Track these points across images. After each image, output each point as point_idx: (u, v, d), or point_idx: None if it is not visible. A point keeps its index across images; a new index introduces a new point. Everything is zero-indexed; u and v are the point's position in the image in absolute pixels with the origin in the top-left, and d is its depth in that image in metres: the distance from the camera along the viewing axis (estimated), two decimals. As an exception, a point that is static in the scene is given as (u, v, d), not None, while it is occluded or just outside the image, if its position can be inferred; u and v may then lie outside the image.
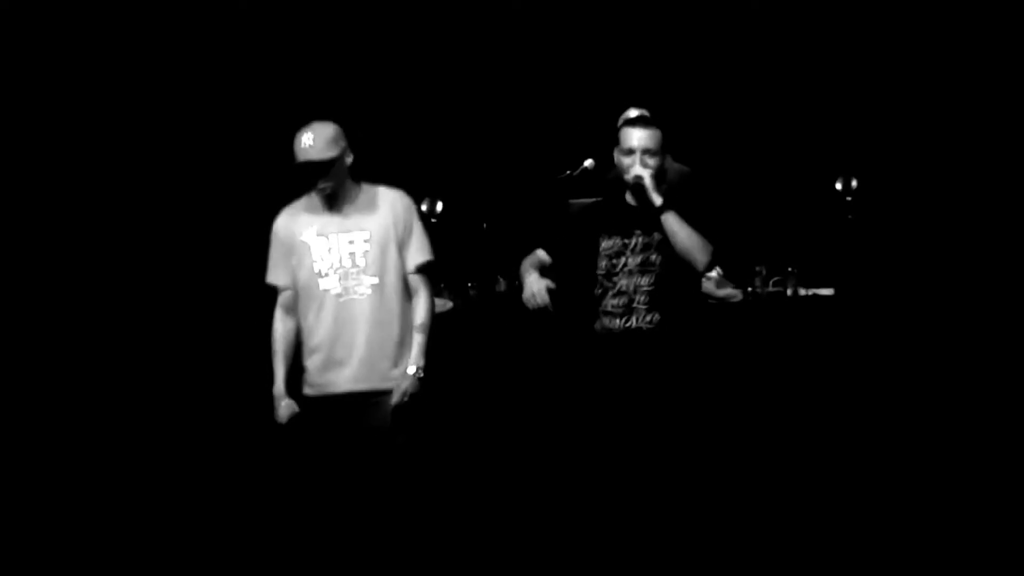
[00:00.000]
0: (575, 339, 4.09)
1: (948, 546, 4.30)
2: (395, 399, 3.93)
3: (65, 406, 5.75)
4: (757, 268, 5.37)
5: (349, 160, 4.04)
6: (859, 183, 5.56)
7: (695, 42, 6.52)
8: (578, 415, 4.03)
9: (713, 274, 5.29)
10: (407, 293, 4.06)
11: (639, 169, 3.95)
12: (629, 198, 4.07)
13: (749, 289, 5.32)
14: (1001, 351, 5.02)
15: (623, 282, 3.98)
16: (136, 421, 5.68)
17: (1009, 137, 6.07)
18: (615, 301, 3.98)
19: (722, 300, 5.22)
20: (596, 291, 4.03)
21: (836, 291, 5.33)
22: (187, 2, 6.21)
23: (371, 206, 4.05)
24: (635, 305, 3.96)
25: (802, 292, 5.31)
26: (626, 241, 4.01)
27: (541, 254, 4.14)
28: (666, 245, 3.94)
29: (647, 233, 3.98)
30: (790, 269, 5.35)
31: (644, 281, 3.96)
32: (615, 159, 4.05)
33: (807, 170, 6.31)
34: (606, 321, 4.00)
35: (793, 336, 5.08)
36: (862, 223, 5.53)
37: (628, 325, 3.96)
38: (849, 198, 5.55)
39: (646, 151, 3.98)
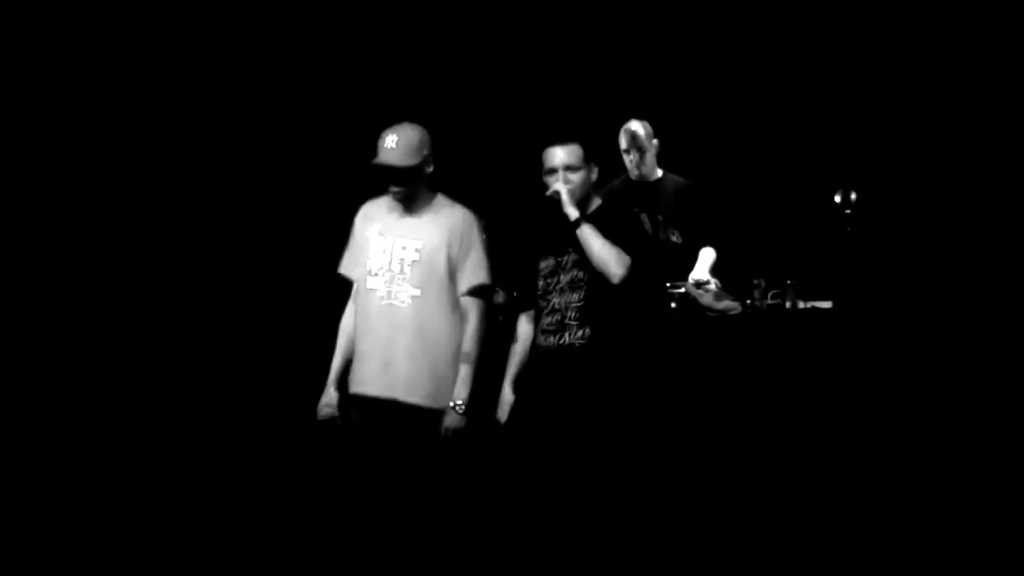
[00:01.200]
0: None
1: (943, 562, 4.28)
2: (442, 431, 3.94)
3: (100, 402, 5.75)
4: (756, 281, 5.36)
5: (429, 170, 4.06)
6: (858, 196, 5.54)
7: (694, 54, 6.52)
8: (515, 433, 4.07)
9: (712, 287, 5.28)
10: (458, 313, 4.05)
11: (556, 185, 4.04)
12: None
13: (748, 302, 5.31)
14: (1001, 364, 5.01)
15: (556, 300, 4.06)
16: (164, 415, 5.69)
17: (1009, 150, 6.06)
18: (549, 319, 4.06)
19: (721, 313, 5.20)
20: (536, 311, 4.12)
21: (835, 304, 5.32)
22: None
23: (433, 218, 4.06)
24: (567, 321, 4.03)
25: (801, 305, 5.30)
26: (559, 260, 4.09)
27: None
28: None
29: (577, 250, 4.04)
30: (789, 282, 5.34)
31: (575, 297, 4.03)
32: (545, 181, 4.13)
33: (806, 183, 6.31)
34: (542, 339, 4.08)
35: (792, 349, 5.06)
36: (861, 236, 5.52)
37: (562, 342, 4.03)
38: (848, 211, 5.54)
39: (568, 167, 4.07)
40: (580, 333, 4.01)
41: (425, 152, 4.03)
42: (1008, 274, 5.72)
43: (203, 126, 6.27)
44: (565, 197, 4.03)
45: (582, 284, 4.03)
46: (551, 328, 4.05)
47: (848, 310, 5.23)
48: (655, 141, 5.62)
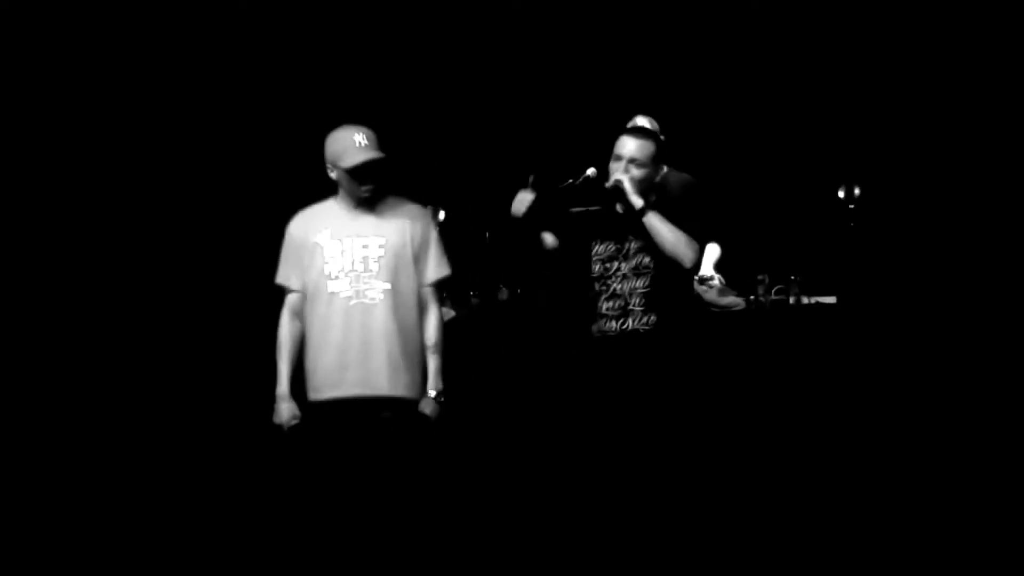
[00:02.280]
0: (572, 342, 4.14)
1: (947, 551, 4.29)
2: (422, 416, 3.95)
3: (66, 407, 5.74)
4: (760, 276, 5.38)
5: None
6: (861, 191, 5.56)
7: (698, 51, 6.53)
8: (580, 418, 4.05)
9: (716, 283, 5.30)
10: (420, 304, 4.07)
11: (618, 174, 4.03)
12: (619, 206, 4.12)
13: (752, 297, 5.33)
14: (1003, 358, 5.02)
15: (617, 285, 4.05)
16: (138, 423, 5.67)
17: (1011, 146, 6.07)
18: (611, 304, 4.04)
19: (725, 308, 5.22)
20: (590, 294, 4.09)
21: (839, 299, 5.33)
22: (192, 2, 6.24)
23: (389, 215, 4.06)
24: (631, 307, 4.02)
25: (805, 300, 5.31)
26: (619, 246, 4.08)
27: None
28: (657, 248, 4.00)
29: (640, 238, 4.04)
30: (793, 277, 5.35)
31: (639, 284, 4.03)
32: (610, 168, 4.12)
33: (810, 179, 6.32)
34: (602, 324, 4.05)
35: (796, 344, 5.08)
36: (864, 231, 5.53)
37: (624, 327, 4.02)
38: (851, 206, 5.56)
39: (632, 160, 4.06)
40: (645, 320, 4.00)
41: None
42: (1011, 268, 5.73)
43: (202, 134, 6.27)
44: (628, 186, 4.02)
45: (648, 271, 4.03)
46: (613, 313, 4.03)
47: (852, 305, 5.24)
48: (661, 138, 5.63)
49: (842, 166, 6.06)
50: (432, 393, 3.97)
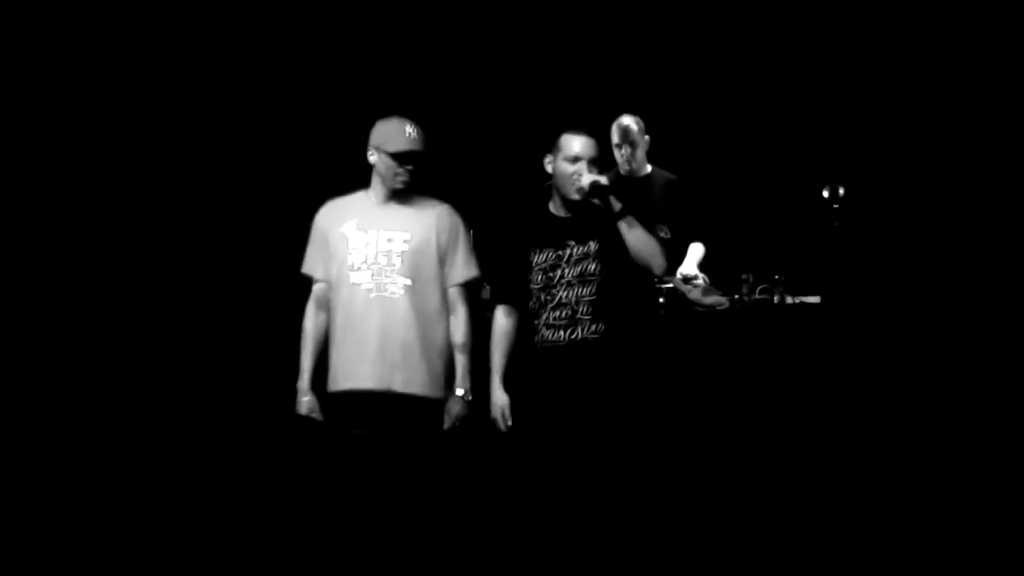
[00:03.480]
0: (520, 355, 4.11)
1: (930, 553, 4.30)
2: (446, 424, 3.94)
3: (91, 400, 5.71)
4: (744, 276, 5.37)
5: None
6: (846, 191, 5.55)
7: (683, 50, 6.53)
8: (529, 429, 4.02)
9: (700, 282, 5.29)
10: (446, 305, 4.06)
11: (592, 176, 3.97)
12: (554, 209, 4.08)
13: (736, 297, 5.32)
14: (988, 358, 5.02)
15: (563, 294, 3.98)
16: (150, 417, 5.66)
17: (996, 145, 6.08)
18: (557, 313, 3.98)
19: (709, 308, 5.21)
20: (532, 305, 4.03)
21: (823, 299, 5.33)
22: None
23: (418, 211, 4.08)
24: (579, 316, 3.96)
25: (789, 300, 5.30)
26: (560, 253, 4.01)
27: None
28: (604, 254, 3.95)
29: (581, 243, 3.98)
30: (777, 277, 5.34)
31: (585, 292, 3.97)
32: (553, 168, 4.06)
33: (794, 178, 6.32)
34: (548, 334, 3.99)
35: (780, 344, 5.07)
36: (849, 231, 5.53)
37: (573, 337, 3.96)
38: (836, 206, 5.55)
39: (592, 160, 4.02)
40: (593, 327, 3.93)
41: None
42: (995, 267, 5.74)
43: (214, 130, 6.26)
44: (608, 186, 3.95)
45: (594, 278, 3.95)
46: (560, 323, 3.96)
47: (836, 305, 5.23)
48: (646, 137, 5.63)
49: (827, 166, 6.05)
50: (459, 392, 3.97)
